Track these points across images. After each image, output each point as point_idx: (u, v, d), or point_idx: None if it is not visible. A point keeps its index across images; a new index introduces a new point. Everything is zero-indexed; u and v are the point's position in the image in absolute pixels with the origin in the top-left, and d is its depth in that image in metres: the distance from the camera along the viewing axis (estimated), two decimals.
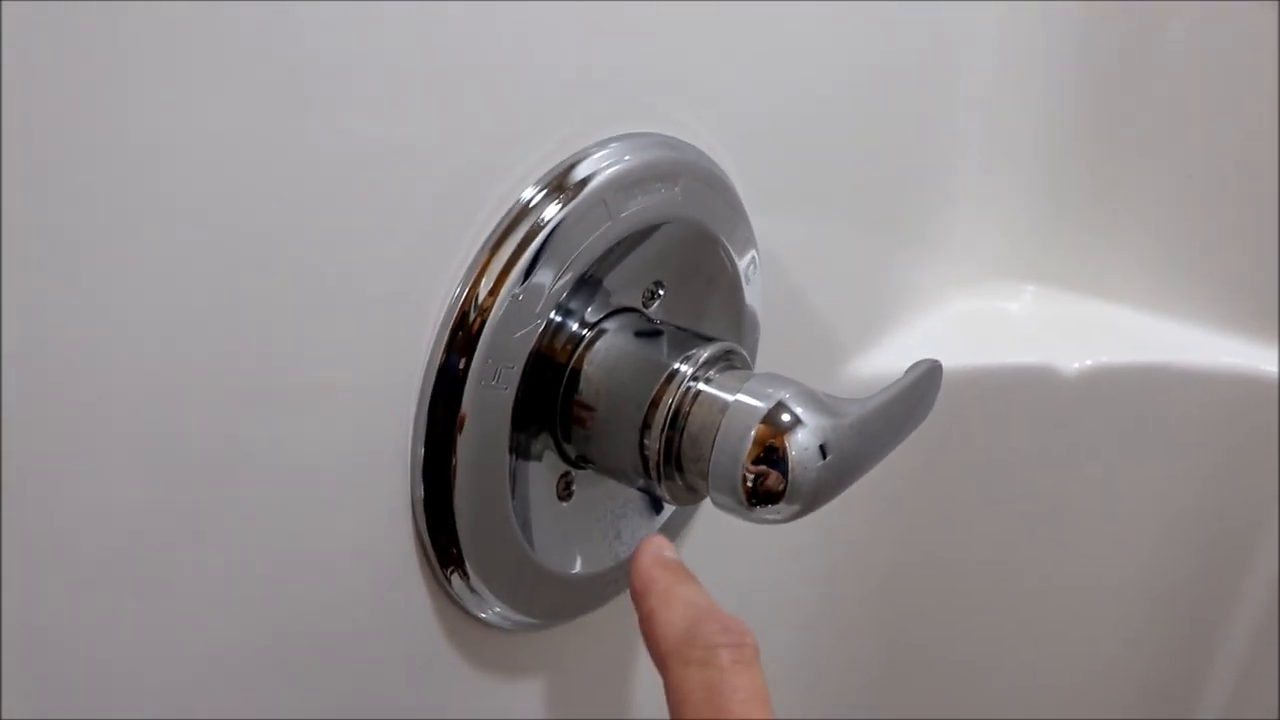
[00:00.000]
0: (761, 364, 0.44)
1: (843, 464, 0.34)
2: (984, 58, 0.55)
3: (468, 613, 0.37)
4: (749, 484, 0.33)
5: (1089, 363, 0.57)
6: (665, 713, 0.31)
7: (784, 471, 0.33)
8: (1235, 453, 0.57)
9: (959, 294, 0.60)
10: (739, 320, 0.42)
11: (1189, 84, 0.56)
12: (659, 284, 0.38)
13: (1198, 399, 0.57)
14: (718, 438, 0.34)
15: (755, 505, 0.33)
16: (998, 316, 0.60)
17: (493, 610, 0.37)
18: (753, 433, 0.33)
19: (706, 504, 0.36)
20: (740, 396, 0.34)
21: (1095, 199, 0.60)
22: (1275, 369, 0.56)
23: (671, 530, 0.43)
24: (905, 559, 0.58)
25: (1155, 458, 0.58)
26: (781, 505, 0.33)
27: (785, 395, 0.33)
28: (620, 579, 0.41)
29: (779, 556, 0.52)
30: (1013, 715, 0.62)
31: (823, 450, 0.33)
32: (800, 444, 0.33)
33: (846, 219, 0.50)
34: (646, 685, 0.47)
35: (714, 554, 0.47)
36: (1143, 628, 0.61)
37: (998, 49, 0.55)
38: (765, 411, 0.33)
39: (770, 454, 0.33)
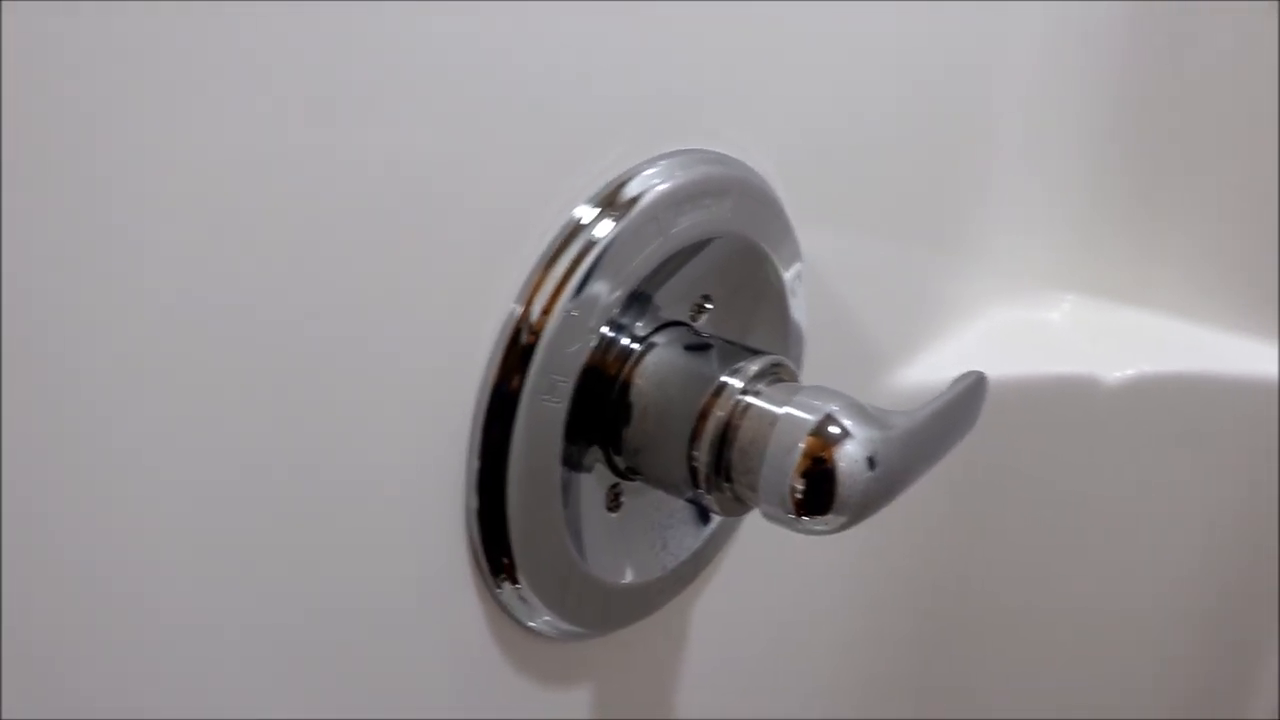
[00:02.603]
0: (804, 376, 0.45)
1: (890, 475, 0.34)
2: (1024, 68, 0.55)
3: (516, 621, 0.38)
4: (798, 495, 0.33)
5: (1130, 372, 0.56)
6: None
7: (832, 483, 0.33)
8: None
9: (999, 304, 0.60)
10: (785, 333, 0.43)
11: (1234, 91, 0.56)
12: (706, 298, 0.39)
13: (1241, 409, 0.56)
14: (767, 450, 0.34)
15: (804, 516, 0.34)
16: (1038, 326, 0.60)
17: (541, 619, 0.38)
18: (801, 445, 0.33)
19: (751, 520, 0.37)
20: (789, 409, 0.34)
21: (1136, 207, 0.60)
22: None
23: (716, 543, 0.43)
24: (945, 572, 0.58)
25: (1198, 468, 0.57)
26: (830, 516, 0.33)
27: (834, 408, 0.34)
28: (666, 589, 0.42)
29: (822, 573, 0.52)
30: None
31: (870, 462, 0.33)
32: (849, 455, 0.33)
33: (887, 230, 0.50)
34: (690, 695, 0.47)
35: (758, 573, 0.47)
36: (1185, 641, 0.60)
37: (1039, 59, 0.55)
38: (814, 424, 0.33)
39: (819, 465, 0.33)
